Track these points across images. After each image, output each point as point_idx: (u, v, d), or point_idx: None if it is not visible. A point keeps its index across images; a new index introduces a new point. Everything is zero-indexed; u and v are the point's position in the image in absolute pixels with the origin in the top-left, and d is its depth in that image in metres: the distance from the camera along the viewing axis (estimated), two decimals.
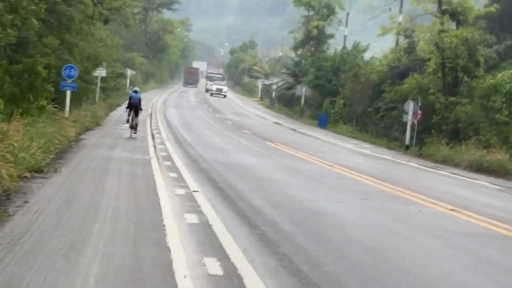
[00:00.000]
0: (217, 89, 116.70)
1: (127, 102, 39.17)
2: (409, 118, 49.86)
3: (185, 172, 22.11)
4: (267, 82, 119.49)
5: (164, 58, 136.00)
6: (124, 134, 37.74)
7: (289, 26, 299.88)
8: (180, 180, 20.09)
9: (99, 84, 62.37)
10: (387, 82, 65.78)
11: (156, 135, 38.88)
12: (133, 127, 35.45)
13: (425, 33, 49.64)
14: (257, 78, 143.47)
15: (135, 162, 24.29)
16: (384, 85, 65.81)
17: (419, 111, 47.82)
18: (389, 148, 50.10)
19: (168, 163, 24.90)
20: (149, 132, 40.34)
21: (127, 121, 35.74)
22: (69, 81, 42.34)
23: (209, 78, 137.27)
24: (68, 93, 42.33)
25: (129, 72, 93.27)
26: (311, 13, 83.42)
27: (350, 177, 25.72)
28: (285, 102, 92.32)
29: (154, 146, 31.74)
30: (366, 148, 46.72)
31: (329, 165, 29.43)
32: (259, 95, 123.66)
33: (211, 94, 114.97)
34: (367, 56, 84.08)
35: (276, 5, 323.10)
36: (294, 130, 58.70)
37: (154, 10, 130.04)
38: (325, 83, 77.50)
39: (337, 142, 49.18)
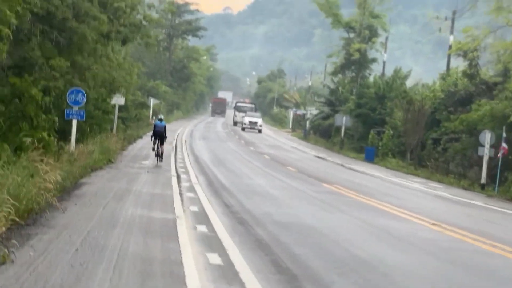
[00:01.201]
0: (251, 122, 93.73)
1: (149, 133, 39.28)
2: (485, 152, 40.63)
3: (234, 252, 12.96)
4: (299, 112, 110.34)
5: (189, 87, 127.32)
6: (142, 174, 28.79)
7: (315, 56, 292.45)
8: (230, 274, 10.98)
9: (116, 114, 53.55)
10: (442, 109, 56.60)
11: (183, 176, 29.85)
12: (159, 155, 34.55)
13: (507, 48, 40.26)
14: (287, 108, 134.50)
15: (151, 228, 15.21)
16: (440, 113, 56.61)
17: (504, 145, 38.56)
18: (464, 188, 40.81)
19: (202, 228, 15.78)
20: (173, 172, 31.31)
21: (153, 149, 34.94)
22: (75, 108, 33.48)
23: (238, 109, 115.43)
24: (74, 123, 33.59)
25: (152, 101, 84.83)
26: (352, 35, 74.34)
27: (486, 250, 16.49)
28: (322, 133, 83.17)
29: (181, 194, 22.64)
30: (439, 189, 37.45)
31: (433, 224, 20.20)
32: (290, 126, 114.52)
33: (243, 129, 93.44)
34: (408, 83, 74.78)
35: (301, 35, 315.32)
36: (342, 165, 49.50)
37: (179, 37, 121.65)
38: (368, 111, 68.33)
39: (401, 181, 39.89)
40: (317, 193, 27.28)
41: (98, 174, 27.38)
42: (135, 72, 53.39)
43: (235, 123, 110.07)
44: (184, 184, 26.42)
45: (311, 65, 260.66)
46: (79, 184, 23.15)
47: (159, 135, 34.69)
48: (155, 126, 35.95)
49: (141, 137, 58.22)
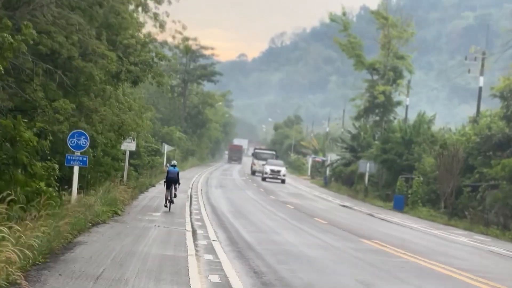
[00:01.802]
0: (273, 171, 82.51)
1: (163, 180, 38.40)
2: None
3: None
4: (318, 158, 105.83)
5: (204, 134, 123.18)
6: (151, 229, 24.43)
7: (330, 102, 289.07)
8: None
9: (127, 160, 49.36)
10: (477, 154, 52.06)
11: (199, 231, 25.42)
12: (171, 201, 33.79)
13: None
14: (305, 154, 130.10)
15: None
16: (474, 158, 52.07)
17: None
18: None
19: None
20: (188, 225, 26.89)
21: (166, 197, 34.04)
22: (77, 153, 29.26)
23: (257, 156, 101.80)
24: (76, 170, 29.24)
25: (166, 148, 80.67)
26: (375, 77, 70.09)
27: None
28: (344, 180, 78.56)
29: (197, 257, 18.20)
30: (487, 243, 32.80)
31: None
32: (309, 173, 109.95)
33: (264, 179, 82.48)
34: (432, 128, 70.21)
35: (316, 82, 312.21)
36: (371, 215, 44.95)
37: (193, 82, 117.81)
38: (394, 157, 63.77)
39: (444, 234, 35.27)
40: (360, 252, 22.73)
41: (99, 230, 22.97)
42: (148, 116, 49.15)
43: (253, 172, 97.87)
44: (201, 242, 21.97)
45: (326, 111, 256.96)
46: (73, 245, 18.77)
47: (173, 181, 33.98)
48: (168, 172, 35.03)
49: (153, 185, 53.96)
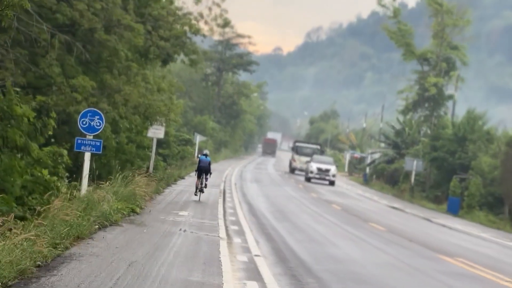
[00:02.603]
0: (320, 170, 64.30)
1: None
2: None
3: None
4: (357, 154, 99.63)
5: (238, 125, 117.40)
6: (174, 236, 18.66)
7: (365, 99, 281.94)
8: None
9: (154, 149, 43.75)
10: None
11: (236, 239, 19.64)
12: (202, 190, 32.25)
13: None
14: (341, 150, 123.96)
15: None
16: None
17: None
18: None
19: None
20: (222, 231, 21.08)
21: (196, 186, 32.45)
22: (89, 136, 23.54)
23: (299, 150, 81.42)
24: (87, 157, 23.54)
25: (198, 138, 75.10)
26: (426, 68, 63.81)
27: None
28: (387, 179, 72.37)
29: (237, 283, 12.38)
30: None
31: None
32: (346, 169, 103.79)
33: (308, 179, 64.69)
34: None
35: (351, 78, 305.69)
36: (428, 220, 38.96)
37: (229, 71, 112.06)
38: (446, 155, 57.59)
39: None
40: (452, 278, 16.80)
41: (106, 236, 17.24)
42: (180, 102, 43.41)
43: (292, 170, 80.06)
44: (240, 257, 16.14)
45: (361, 108, 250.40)
46: (60, 260, 13.03)
47: (204, 171, 32.32)
48: (199, 161, 33.10)
49: (183, 177, 48.27)
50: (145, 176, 38.50)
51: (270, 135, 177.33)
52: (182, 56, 38.68)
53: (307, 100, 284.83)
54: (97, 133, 23.99)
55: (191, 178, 49.36)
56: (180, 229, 20.51)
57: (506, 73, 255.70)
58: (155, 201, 29.25)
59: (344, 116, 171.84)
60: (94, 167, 32.79)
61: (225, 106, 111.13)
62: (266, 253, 17.59)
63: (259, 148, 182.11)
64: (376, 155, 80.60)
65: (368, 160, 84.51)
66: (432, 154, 58.51)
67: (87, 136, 23.66)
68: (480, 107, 65.29)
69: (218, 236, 19.74)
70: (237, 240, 19.48)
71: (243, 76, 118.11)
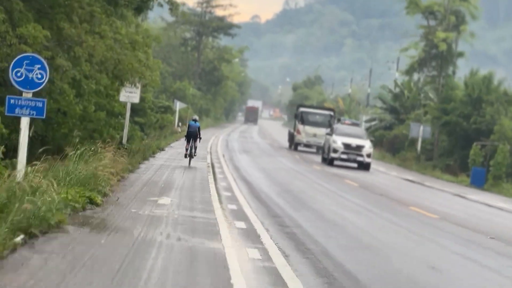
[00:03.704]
0: (348, 147, 41.85)
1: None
2: None
3: None
4: (348, 120, 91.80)
5: (219, 92, 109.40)
6: (153, 249, 10.85)
7: (345, 66, 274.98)
8: None
9: (128, 116, 35.97)
10: None
11: (251, 251, 12.02)
12: (192, 155, 30.97)
13: None
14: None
15: None
16: None
17: None
18: None
19: None
20: (225, 233, 13.50)
21: (185, 155, 31.25)
22: (26, 94, 15.50)
23: (305, 118, 57.12)
24: (25, 124, 15.51)
25: (178, 105, 67.30)
26: (432, 22, 56.19)
27: None
28: (387, 147, 64.92)
29: None
30: None
31: None
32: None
33: (331, 160, 42.80)
34: None
35: (330, 45, 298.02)
36: (461, 196, 31.58)
37: (209, 35, 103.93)
38: (459, 119, 50.22)
39: None
40: None
41: (31, 260, 9.56)
42: (158, 62, 35.47)
43: (295, 145, 57.22)
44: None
45: (341, 75, 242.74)
46: None
47: (193, 136, 31.37)
48: (189, 126, 32.52)
49: (162, 149, 40.63)
50: (118, 149, 30.81)
51: (251, 103, 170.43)
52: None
53: (286, 68, 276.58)
54: (38, 89, 16.29)
55: (172, 150, 41.83)
56: (161, 233, 12.94)
57: (487, 38, 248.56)
58: (127, 182, 21.67)
59: (326, 83, 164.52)
60: (45, 138, 25.22)
61: (206, 72, 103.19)
62: (308, 276, 10.06)
63: (240, 116, 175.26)
64: (373, 122, 73.09)
65: (362, 127, 76.91)
66: (443, 119, 51.13)
67: (24, 94, 15.99)
68: (500, 69, 57.82)
69: (222, 246, 12.18)
70: (253, 253, 11.90)
71: (223, 41, 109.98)
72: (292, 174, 32.74)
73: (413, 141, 56.64)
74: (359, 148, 41.34)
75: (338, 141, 41.82)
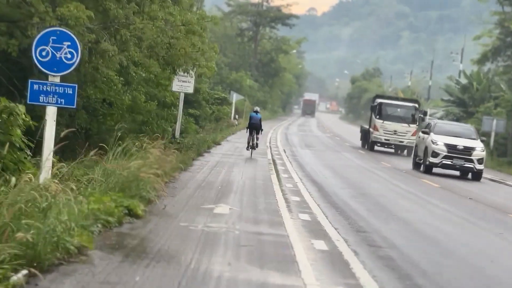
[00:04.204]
0: (454, 149, 31.32)
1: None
2: None
3: None
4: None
5: (276, 84, 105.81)
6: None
7: (402, 58, 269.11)
8: None
9: (181, 108, 32.69)
10: None
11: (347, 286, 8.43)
12: (253, 147, 30.82)
13: None
14: None
15: None
16: None
17: None
18: None
19: None
20: (304, 263, 9.91)
21: (247, 148, 30.96)
22: (54, 77, 11.64)
23: (384, 112, 46.30)
24: (50, 115, 11.76)
25: (234, 96, 63.91)
26: (508, 9, 51.88)
27: None
28: None
29: None
30: None
31: None
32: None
33: (428, 167, 31.89)
34: None
35: (387, 37, 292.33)
36: None
37: (266, 25, 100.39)
38: None
39: None
40: None
41: None
42: (215, 47, 31.92)
43: (372, 145, 46.60)
44: None
45: (398, 67, 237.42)
46: None
47: (255, 128, 31.10)
48: (250, 117, 32.19)
49: (218, 143, 37.35)
50: (170, 143, 27.61)
51: (307, 95, 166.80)
52: None
53: (343, 61, 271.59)
54: (68, 71, 12.90)
55: (229, 144, 38.55)
56: (219, 262, 9.45)
57: None
58: (178, 184, 18.33)
59: (383, 76, 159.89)
60: (89, 132, 22.08)
61: (263, 63, 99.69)
62: None
63: (296, 109, 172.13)
64: (437, 114, 68.75)
65: (427, 120, 72.65)
66: None
67: (50, 78, 12.66)
68: None
69: (303, 284, 8.65)
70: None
71: (281, 31, 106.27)
72: (363, 173, 29.07)
73: (485, 136, 52.42)
74: (468, 151, 31.37)
75: (439, 142, 31.28)
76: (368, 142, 47.34)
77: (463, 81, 65.94)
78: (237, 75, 78.63)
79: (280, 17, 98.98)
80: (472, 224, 17.10)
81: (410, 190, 23.91)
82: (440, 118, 67.23)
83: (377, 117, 45.69)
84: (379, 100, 47.84)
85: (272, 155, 32.98)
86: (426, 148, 31.74)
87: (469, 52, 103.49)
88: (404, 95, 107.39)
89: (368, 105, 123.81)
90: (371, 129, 46.40)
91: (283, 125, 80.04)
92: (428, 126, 34.79)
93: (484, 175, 32.48)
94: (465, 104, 64.07)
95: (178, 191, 17.16)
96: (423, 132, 33.40)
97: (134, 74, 26.27)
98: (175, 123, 32.38)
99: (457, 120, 64.05)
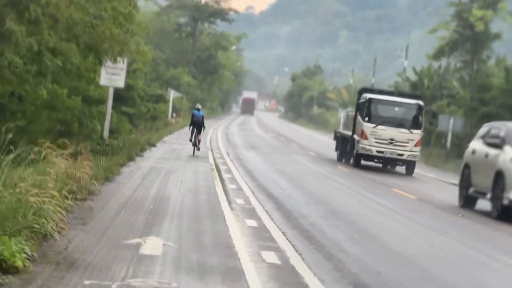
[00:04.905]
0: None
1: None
2: None
3: None
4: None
5: (215, 82, 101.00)
6: None
7: (340, 57, 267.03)
8: None
9: (110, 105, 27.68)
10: None
11: None
12: (196, 144, 30.13)
13: None
14: (329, 108, 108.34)
15: None
16: None
17: None
18: None
19: None
20: None
21: (190, 139, 30.67)
22: None
23: (374, 112, 32.17)
24: None
25: (172, 94, 59.10)
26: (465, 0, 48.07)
27: None
28: None
29: None
30: None
31: None
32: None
33: (505, 209, 17.22)
34: None
35: (325, 36, 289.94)
36: None
37: (204, 20, 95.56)
38: (500, 111, 42.16)
39: None
40: None
41: None
42: (148, 28, 26.96)
43: (358, 158, 32.78)
44: None
45: (336, 66, 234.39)
46: None
47: (197, 125, 30.45)
48: (192, 115, 31.74)
49: (153, 144, 32.55)
50: (97, 146, 23.12)
51: (246, 94, 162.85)
52: None
53: (281, 59, 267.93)
54: None
55: (165, 146, 33.87)
56: None
57: None
58: (97, 202, 13.65)
59: (323, 74, 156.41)
60: None
61: (201, 60, 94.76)
62: None
63: (234, 108, 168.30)
64: None
65: None
66: (482, 110, 43.05)
67: None
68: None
69: None
70: None
71: (220, 27, 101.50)
72: (324, 181, 24.65)
73: (439, 136, 48.68)
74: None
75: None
76: (350, 154, 33.45)
77: (413, 78, 62.23)
78: (175, 71, 73.82)
79: (219, 12, 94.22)
80: (486, 256, 12.68)
81: (382, 201, 19.48)
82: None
83: (366, 119, 31.51)
84: (367, 96, 32.51)
85: (214, 159, 28.37)
86: (499, 171, 17.67)
87: (413, 50, 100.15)
88: (349, 92, 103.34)
89: (310, 103, 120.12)
90: (356, 137, 32.16)
91: (223, 124, 75.49)
92: (500, 138, 18.72)
93: (447, 179, 28.26)
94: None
95: (95, 214, 12.44)
96: (490, 145, 18.88)
97: (48, 62, 21.33)
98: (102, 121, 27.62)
99: None
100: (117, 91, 30.54)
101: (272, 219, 13.95)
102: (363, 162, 32.44)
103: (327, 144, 54.27)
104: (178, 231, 11.74)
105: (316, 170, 28.97)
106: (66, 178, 12.16)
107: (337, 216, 15.71)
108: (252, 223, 13.26)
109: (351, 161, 33.13)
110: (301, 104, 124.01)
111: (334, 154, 37.14)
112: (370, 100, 31.95)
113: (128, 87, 38.63)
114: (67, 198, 11.51)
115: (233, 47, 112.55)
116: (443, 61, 52.34)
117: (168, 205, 14.57)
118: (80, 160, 14.45)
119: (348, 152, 33.92)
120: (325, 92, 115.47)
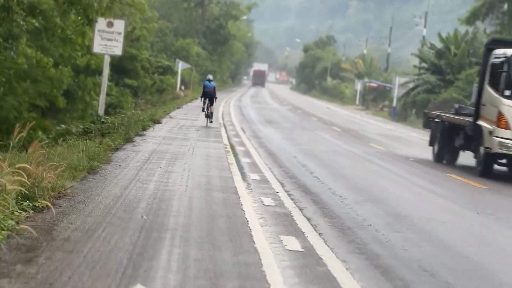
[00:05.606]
0: None
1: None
2: None
3: None
4: (374, 83, 78.64)
5: (226, 53, 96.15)
6: None
7: (350, 28, 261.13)
8: None
9: (105, 77, 22.87)
10: None
11: None
12: (209, 115, 29.32)
13: None
14: (343, 79, 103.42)
15: None
16: None
17: None
18: None
19: None
20: None
21: (203, 109, 29.81)
22: None
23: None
24: None
25: (180, 65, 54.38)
26: None
27: None
28: None
29: None
30: None
31: None
32: (357, 102, 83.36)
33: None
34: None
35: (336, 7, 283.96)
36: None
37: None
38: None
39: None
40: None
41: None
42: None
43: (489, 159, 18.85)
44: None
45: (347, 37, 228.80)
46: None
47: (209, 96, 29.58)
48: (204, 86, 30.52)
49: (158, 121, 27.97)
50: (91, 124, 18.67)
51: (257, 66, 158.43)
52: None
53: (292, 30, 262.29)
54: None
55: (172, 122, 29.33)
56: None
57: None
58: (71, 209, 8.95)
59: (335, 44, 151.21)
60: None
61: (211, 30, 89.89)
62: None
63: (245, 80, 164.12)
64: (411, 84, 59.93)
65: (395, 90, 63.86)
66: None
67: None
68: None
69: None
70: None
71: None
72: (364, 165, 20.04)
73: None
74: None
75: None
76: (476, 152, 19.87)
77: (439, 45, 57.45)
78: (183, 42, 69.10)
79: None
80: None
81: (433, 188, 14.87)
82: (415, 87, 58.56)
83: (507, 93, 18.48)
84: (506, 52, 18.86)
85: (228, 138, 23.87)
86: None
87: (432, 18, 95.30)
88: (365, 63, 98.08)
89: (323, 75, 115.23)
90: (483, 124, 19.31)
91: (235, 96, 70.95)
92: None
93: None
94: (442, 71, 55.59)
95: (49, 241, 7.88)
96: None
97: (21, 22, 16.78)
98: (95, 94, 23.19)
99: (433, 89, 55.59)
100: (118, 62, 26.13)
101: (320, 235, 9.41)
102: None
103: (347, 117, 49.55)
104: (181, 273, 7.19)
105: (349, 150, 24.31)
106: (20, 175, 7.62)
107: (404, 222, 11.15)
108: (294, 244, 8.73)
109: (476, 164, 19.71)
110: (313, 75, 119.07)
111: (362, 130, 32.54)
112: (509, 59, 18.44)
113: (131, 57, 34.37)
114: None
115: (244, 17, 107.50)
116: (484, 24, 47.46)
117: (169, 214, 10.03)
118: (33, 149, 9.92)
119: (460, 147, 21.63)
120: (338, 63, 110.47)
